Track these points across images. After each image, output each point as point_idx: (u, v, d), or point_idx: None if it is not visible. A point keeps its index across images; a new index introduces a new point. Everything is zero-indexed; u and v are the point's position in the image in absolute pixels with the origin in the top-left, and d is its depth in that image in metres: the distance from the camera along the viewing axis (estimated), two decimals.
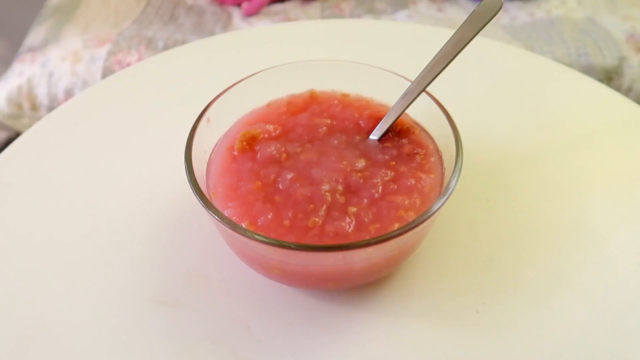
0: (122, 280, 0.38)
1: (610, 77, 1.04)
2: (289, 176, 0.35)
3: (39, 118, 0.98)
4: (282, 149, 0.37)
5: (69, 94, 0.99)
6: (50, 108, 0.99)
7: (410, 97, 0.38)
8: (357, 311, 0.36)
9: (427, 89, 0.37)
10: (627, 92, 1.04)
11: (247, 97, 0.42)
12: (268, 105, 0.43)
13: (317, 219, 0.32)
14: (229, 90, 0.40)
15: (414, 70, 0.38)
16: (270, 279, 0.36)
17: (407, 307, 0.36)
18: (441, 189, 0.35)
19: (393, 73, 0.41)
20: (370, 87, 0.42)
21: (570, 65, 1.02)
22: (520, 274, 0.38)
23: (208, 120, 0.38)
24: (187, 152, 0.34)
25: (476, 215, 0.42)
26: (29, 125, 0.99)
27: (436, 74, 0.37)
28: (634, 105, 0.52)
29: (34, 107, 0.99)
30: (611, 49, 1.04)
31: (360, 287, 0.37)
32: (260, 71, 0.42)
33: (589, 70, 1.03)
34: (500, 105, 0.53)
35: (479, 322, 0.35)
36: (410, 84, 0.38)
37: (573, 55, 1.04)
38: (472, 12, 0.36)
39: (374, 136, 0.39)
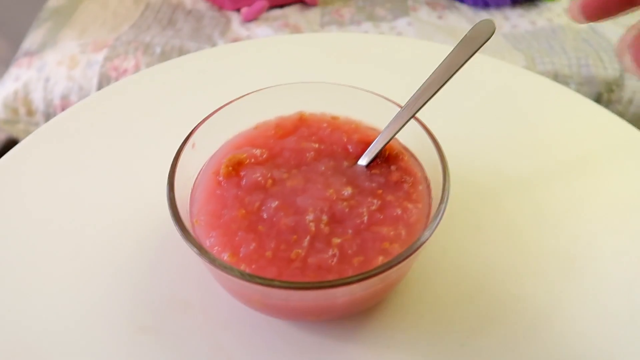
0: (102, 305, 0.37)
1: (611, 88, 1.03)
2: (273, 204, 0.34)
3: (35, 123, 0.98)
4: (268, 175, 0.37)
5: (65, 99, 0.99)
6: (46, 113, 0.98)
7: (399, 122, 0.37)
8: (340, 342, 0.35)
9: (417, 113, 0.37)
10: (628, 104, 1.04)
11: (235, 120, 0.41)
12: (256, 127, 0.42)
13: (300, 251, 0.32)
14: (216, 114, 0.39)
15: (409, 89, 0.37)
16: (251, 310, 0.35)
17: (392, 338, 0.35)
18: (428, 220, 0.35)
19: (383, 97, 0.40)
20: (360, 109, 0.42)
21: (570, 76, 1.01)
22: (507, 305, 0.37)
23: (193, 145, 0.37)
24: (169, 180, 0.34)
25: (465, 242, 0.41)
26: (25, 131, 0.98)
27: (427, 99, 0.36)
28: (630, 127, 0.51)
29: (30, 112, 0.99)
30: (613, 60, 1.03)
31: (344, 318, 0.36)
32: (249, 93, 0.41)
33: (589, 81, 1.02)
34: (492, 126, 0.53)
35: (464, 355, 0.35)
36: (399, 109, 0.38)
37: (574, 65, 1.03)
38: (464, 36, 0.36)
39: (362, 162, 0.38)
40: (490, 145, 0.50)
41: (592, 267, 0.39)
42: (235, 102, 0.40)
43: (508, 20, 1.18)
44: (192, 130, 0.37)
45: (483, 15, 1.20)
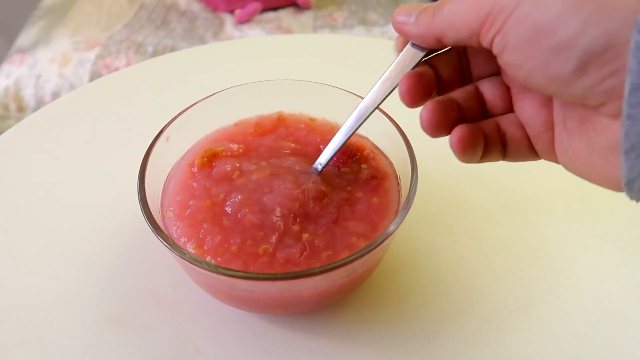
0: (71, 296, 0.37)
1: None
2: (239, 197, 0.34)
3: None
4: (238, 166, 0.37)
5: (55, 96, 0.99)
6: (37, 110, 0.99)
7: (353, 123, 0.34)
8: (308, 336, 0.36)
9: (391, 112, 0.37)
10: None
11: (213, 115, 0.41)
12: (236, 124, 0.43)
13: (267, 246, 0.32)
14: (191, 109, 0.39)
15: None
16: (220, 302, 0.35)
17: (359, 333, 0.36)
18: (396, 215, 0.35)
19: (359, 97, 0.41)
20: (338, 109, 0.42)
21: None
22: (475, 303, 0.38)
23: (167, 139, 0.38)
24: (140, 172, 0.34)
25: (438, 241, 0.42)
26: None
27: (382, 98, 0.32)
28: None
29: (21, 109, 0.99)
30: None
31: (313, 312, 0.37)
32: (227, 89, 0.41)
33: None
34: None
35: (430, 351, 0.35)
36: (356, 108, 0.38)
37: None
38: (400, 57, 0.31)
39: (319, 164, 0.36)
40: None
41: (562, 267, 0.40)
42: (213, 97, 0.41)
43: None
44: (167, 124, 0.38)
45: None
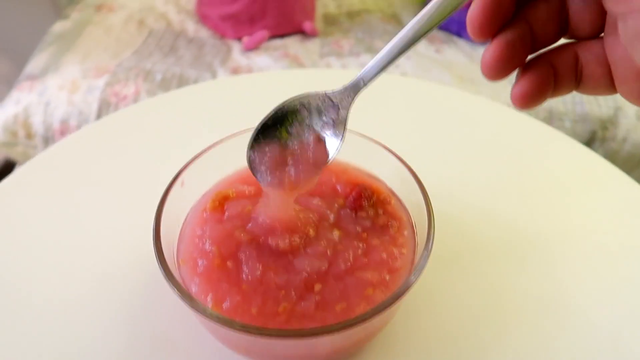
0: (85, 341, 0.37)
1: (605, 126, 1.04)
2: (254, 251, 0.34)
3: (33, 146, 0.98)
4: (250, 209, 0.37)
5: (64, 123, 0.99)
6: (45, 137, 0.99)
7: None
8: None
9: (404, 157, 0.37)
10: (622, 142, 1.04)
11: (227, 157, 0.41)
12: None
13: (286, 304, 0.32)
14: (206, 153, 0.39)
15: (403, 130, 0.38)
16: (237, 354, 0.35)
17: None
18: (412, 265, 0.35)
19: (373, 140, 0.41)
20: (352, 151, 0.42)
21: (565, 114, 1.02)
22: (492, 350, 0.37)
23: (182, 183, 0.38)
24: (156, 220, 0.34)
25: (450, 285, 0.41)
26: (23, 153, 0.99)
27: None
28: (620, 172, 0.52)
29: (29, 136, 1.00)
30: (607, 98, 1.05)
31: None
32: (240, 132, 0.41)
33: (584, 118, 1.03)
34: (481, 168, 0.53)
35: None
36: (387, 151, 0.38)
37: (569, 103, 1.05)
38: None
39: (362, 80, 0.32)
40: (479, 187, 0.50)
41: (578, 314, 0.39)
42: (228, 140, 0.41)
43: None
44: (182, 169, 0.38)
45: (480, 50, 1.22)
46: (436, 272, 0.42)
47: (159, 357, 0.36)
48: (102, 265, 0.42)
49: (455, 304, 0.40)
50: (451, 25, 1.26)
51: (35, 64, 1.11)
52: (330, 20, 1.32)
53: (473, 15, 0.26)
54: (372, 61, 0.31)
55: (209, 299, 0.32)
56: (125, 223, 0.46)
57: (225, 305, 0.32)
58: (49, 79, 1.04)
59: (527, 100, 0.27)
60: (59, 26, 1.23)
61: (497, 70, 0.26)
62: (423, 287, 0.40)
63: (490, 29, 0.26)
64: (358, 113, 0.53)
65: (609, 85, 0.25)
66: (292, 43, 1.22)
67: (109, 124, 0.59)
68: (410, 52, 1.20)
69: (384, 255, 0.35)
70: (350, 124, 0.42)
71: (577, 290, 0.41)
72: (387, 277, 0.34)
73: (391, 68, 1.17)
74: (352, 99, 0.32)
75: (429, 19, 0.27)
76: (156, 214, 0.34)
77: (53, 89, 1.02)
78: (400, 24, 1.30)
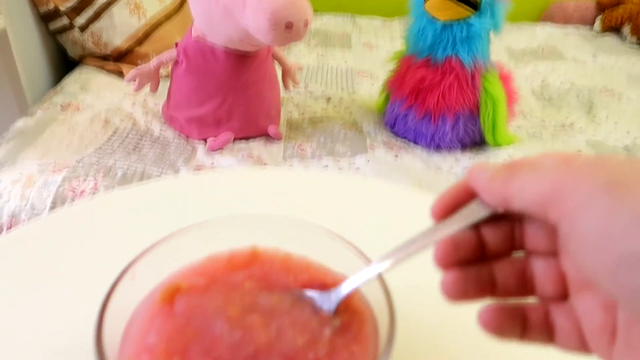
0: None
1: None
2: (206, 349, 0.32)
3: None
4: (205, 305, 0.35)
5: (14, 217, 0.95)
6: None
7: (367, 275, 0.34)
8: None
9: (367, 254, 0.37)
10: None
11: (183, 249, 0.40)
12: (207, 259, 0.41)
13: None
14: (161, 244, 0.38)
15: (366, 225, 0.37)
16: None
17: None
18: None
19: (338, 236, 0.40)
20: (313, 245, 0.42)
21: None
22: None
23: (133, 276, 0.36)
24: (99, 318, 0.31)
25: None
26: None
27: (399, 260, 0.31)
28: None
29: None
30: None
31: None
32: (197, 223, 0.41)
33: None
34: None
35: None
36: (353, 248, 0.38)
37: None
38: (459, 212, 0.29)
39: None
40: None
41: None
42: (182, 232, 0.40)
43: (459, 162, 1.27)
44: (133, 260, 0.36)
45: (435, 157, 1.29)
46: None
47: None
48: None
49: None
50: (408, 133, 1.33)
51: None
52: (294, 126, 1.38)
53: (436, 255, 0.29)
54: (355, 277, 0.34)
55: None
56: (70, 320, 0.42)
57: None
58: (4, 173, 1.02)
59: (463, 297, 0.28)
60: (21, 123, 1.23)
61: (452, 295, 0.28)
62: None
63: (447, 264, 0.28)
64: (324, 210, 0.53)
65: (583, 342, 0.26)
66: (256, 145, 1.25)
67: (60, 217, 0.57)
68: (370, 157, 1.24)
69: (345, 355, 0.33)
70: (312, 220, 0.42)
71: None
72: None
73: (346, 164, 1.21)
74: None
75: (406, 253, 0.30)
76: (101, 308, 0.32)
77: (7, 183, 0.99)
78: (361, 132, 1.36)
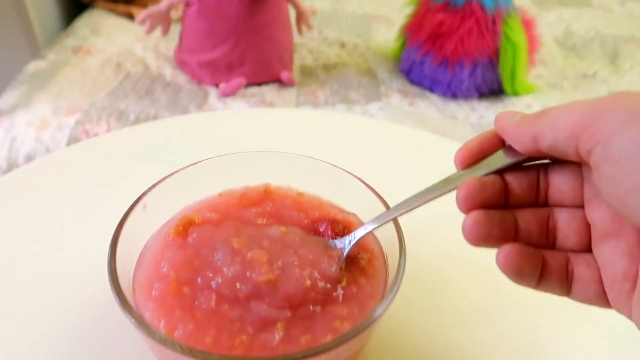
0: None
1: None
2: (219, 276, 0.32)
3: None
4: (216, 239, 0.35)
5: (29, 160, 0.97)
6: (8, 172, 0.96)
7: (381, 221, 0.33)
8: None
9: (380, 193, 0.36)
10: None
11: (195, 184, 0.40)
12: (220, 195, 0.41)
13: (244, 337, 0.30)
14: (173, 176, 0.38)
15: (378, 168, 0.37)
16: None
17: None
18: (383, 297, 0.33)
19: (349, 173, 0.40)
20: (325, 183, 0.41)
21: None
22: None
23: (145, 207, 0.36)
24: (113, 240, 0.32)
25: (424, 324, 0.40)
26: None
27: (416, 206, 0.31)
28: None
29: None
30: None
31: None
32: (209, 158, 0.40)
33: None
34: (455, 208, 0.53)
35: None
36: (364, 185, 0.38)
37: None
38: (486, 159, 0.29)
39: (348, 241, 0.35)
40: (455, 228, 0.49)
41: (552, 354, 0.38)
42: (195, 165, 0.40)
43: (475, 111, 1.24)
44: (145, 192, 0.36)
45: (451, 105, 1.26)
46: (409, 310, 0.40)
47: None
48: (54, 293, 0.39)
49: (427, 343, 0.38)
50: (423, 81, 1.30)
51: (4, 100, 1.09)
52: (307, 72, 1.35)
53: (459, 197, 0.27)
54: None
55: (162, 325, 0.30)
56: (83, 249, 0.43)
57: (177, 333, 0.29)
58: (18, 116, 1.02)
59: (485, 240, 0.27)
60: (33, 65, 1.23)
61: (474, 237, 0.27)
62: (395, 324, 0.39)
63: (471, 205, 0.27)
64: (335, 151, 0.53)
65: (600, 293, 0.26)
66: (268, 91, 1.24)
67: (75, 152, 0.57)
68: (384, 104, 1.22)
69: (354, 289, 0.33)
70: (326, 159, 0.41)
71: (552, 331, 0.40)
72: (356, 310, 0.32)
73: (359, 112, 1.19)
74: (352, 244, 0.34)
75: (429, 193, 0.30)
76: (114, 234, 0.32)
77: (21, 125, 1.00)
78: (375, 79, 1.34)
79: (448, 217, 0.50)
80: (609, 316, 0.41)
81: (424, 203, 0.30)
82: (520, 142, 0.26)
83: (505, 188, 0.28)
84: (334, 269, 0.33)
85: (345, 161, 0.41)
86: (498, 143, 0.28)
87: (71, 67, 1.23)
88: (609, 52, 1.56)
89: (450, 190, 0.29)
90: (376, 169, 0.37)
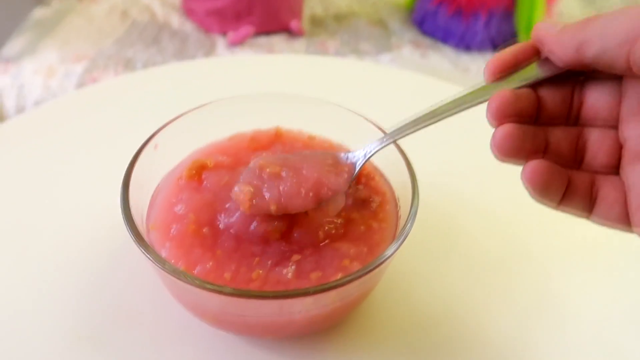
0: (42, 309, 0.35)
1: None
2: (231, 215, 0.32)
3: None
4: (231, 183, 0.35)
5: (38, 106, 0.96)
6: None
7: (380, 145, 0.33)
8: None
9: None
10: None
11: (206, 125, 0.40)
12: (230, 138, 0.41)
13: (260, 271, 0.30)
14: (184, 116, 0.38)
15: (388, 114, 0.36)
16: (205, 324, 0.33)
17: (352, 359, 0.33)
18: (393, 240, 0.33)
19: (361, 116, 0.39)
20: (336, 127, 0.41)
21: None
22: (473, 335, 0.36)
23: (156, 146, 0.36)
24: (125, 179, 0.32)
25: (434, 268, 0.40)
26: None
27: (414, 129, 0.31)
28: None
29: (0, 117, 0.96)
30: None
31: (303, 337, 0.34)
32: (221, 99, 0.40)
33: None
34: (470, 158, 0.52)
35: None
36: (376, 128, 0.37)
37: None
38: (479, 85, 0.28)
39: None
40: (467, 177, 0.49)
41: (561, 304, 0.38)
42: (205, 106, 0.39)
43: None
44: (156, 131, 0.36)
45: (464, 58, 1.23)
46: (420, 254, 0.41)
47: (122, 330, 0.34)
48: (68, 231, 0.40)
49: (437, 287, 0.39)
50: (436, 32, 1.27)
51: (11, 47, 1.07)
52: (317, 22, 1.32)
53: (492, 108, 0.26)
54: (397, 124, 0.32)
55: (180, 263, 0.30)
56: (96, 188, 0.44)
57: (197, 270, 0.30)
58: (25, 63, 1.01)
59: (515, 155, 0.26)
60: (38, 12, 1.20)
61: (504, 150, 0.26)
62: (405, 267, 0.39)
63: (503, 116, 0.26)
64: (346, 97, 0.52)
65: (623, 215, 0.25)
66: (277, 41, 1.21)
67: (86, 94, 0.57)
68: (395, 56, 1.20)
69: (363, 229, 0.34)
70: (349, 102, 0.40)
71: (561, 279, 0.40)
72: (365, 250, 0.32)
73: (369, 62, 1.16)
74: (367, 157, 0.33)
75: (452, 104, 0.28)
76: (126, 172, 0.33)
77: (28, 72, 0.99)
78: (386, 29, 1.30)
79: (461, 164, 0.50)
80: (619, 262, 0.42)
81: (450, 115, 0.29)
82: (562, 52, 0.24)
83: (538, 103, 0.26)
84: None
85: (356, 107, 0.40)
86: (533, 55, 0.27)
87: (76, 14, 1.21)
88: (630, 5, 1.50)
89: (478, 103, 0.27)
90: (387, 114, 0.37)
